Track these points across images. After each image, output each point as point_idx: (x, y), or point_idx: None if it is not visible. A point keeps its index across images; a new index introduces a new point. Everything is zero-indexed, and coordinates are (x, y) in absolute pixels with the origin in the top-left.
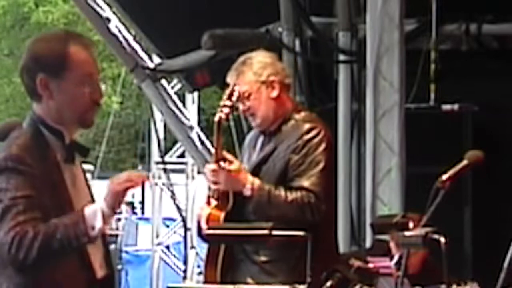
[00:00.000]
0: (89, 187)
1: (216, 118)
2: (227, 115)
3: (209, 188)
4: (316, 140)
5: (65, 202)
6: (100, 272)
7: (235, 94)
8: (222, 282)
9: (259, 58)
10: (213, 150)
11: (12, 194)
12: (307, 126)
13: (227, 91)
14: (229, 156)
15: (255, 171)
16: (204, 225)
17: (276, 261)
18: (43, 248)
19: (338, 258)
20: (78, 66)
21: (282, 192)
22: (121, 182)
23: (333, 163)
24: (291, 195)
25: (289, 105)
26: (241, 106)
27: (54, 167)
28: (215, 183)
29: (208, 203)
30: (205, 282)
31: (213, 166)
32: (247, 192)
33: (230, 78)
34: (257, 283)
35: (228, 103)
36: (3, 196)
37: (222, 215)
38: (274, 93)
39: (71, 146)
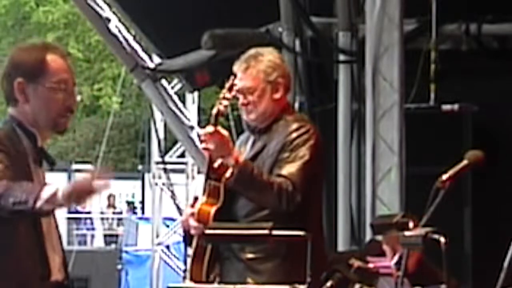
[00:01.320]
0: None
1: (215, 110)
2: (226, 107)
3: (203, 189)
4: (304, 137)
5: None
6: (57, 276)
7: (236, 87)
8: (208, 280)
9: (270, 57)
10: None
11: None
12: (296, 124)
13: (228, 84)
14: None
15: None
16: (193, 223)
17: (261, 259)
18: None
19: (327, 257)
20: (54, 72)
21: (265, 174)
22: (87, 186)
23: (319, 160)
24: (271, 179)
25: (284, 106)
26: (241, 98)
27: (25, 163)
28: (206, 148)
29: (193, 206)
30: (191, 279)
31: (209, 129)
32: (230, 163)
33: (237, 68)
34: (242, 281)
35: (228, 95)
36: None
37: (212, 210)
38: (278, 95)
39: (41, 151)
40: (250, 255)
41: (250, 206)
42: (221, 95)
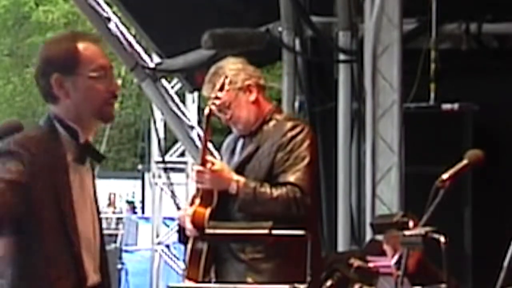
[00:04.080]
0: (95, 191)
1: (207, 110)
2: (218, 107)
3: (197, 189)
4: (300, 136)
5: (64, 198)
6: (93, 278)
7: (226, 86)
8: (204, 281)
9: (230, 66)
10: (214, 152)
11: (0, 175)
12: (290, 123)
13: (219, 83)
14: (210, 158)
15: (239, 170)
16: (189, 225)
17: (263, 259)
18: None
19: (323, 259)
20: (90, 59)
21: (267, 188)
22: None
23: (318, 159)
24: (277, 191)
25: (269, 106)
26: (222, 116)
27: (61, 164)
28: (201, 183)
29: (192, 204)
30: (188, 279)
31: (198, 167)
32: (232, 190)
33: (206, 92)
34: (243, 281)
35: (220, 94)
36: None
37: (207, 212)
38: (252, 97)
39: (84, 147)
40: (250, 255)
41: None
42: (213, 95)
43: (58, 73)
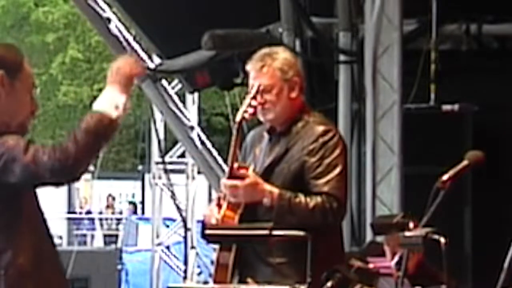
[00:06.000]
0: None
1: (238, 117)
2: (251, 115)
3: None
4: (331, 142)
5: None
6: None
7: (252, 87)
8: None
9: (285, 55)
10: (214, 152)
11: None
12: (322, 128)
13: (253, 90)
14: (242, 171)
15: (267, 172)
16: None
17: (291, 263)
18: (87, 140)
19: (343, 258)
20: (28, 75)
21: (302, 198)
22: (127, 67)
23: (347, 166)
24: (312, 202)
25: (300, 106)
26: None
27: None
28: (234, 197)
29: (219, 204)
30: (214, 282)
31: (229, 183)
32: (267, 203)
33: (252, 66)
34: (270, 284)
35: (254, 103)
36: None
37: (237, 216)
38: (294, 94)
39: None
40: (278, 260)
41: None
42: (247, 102)
43: (4, 70)
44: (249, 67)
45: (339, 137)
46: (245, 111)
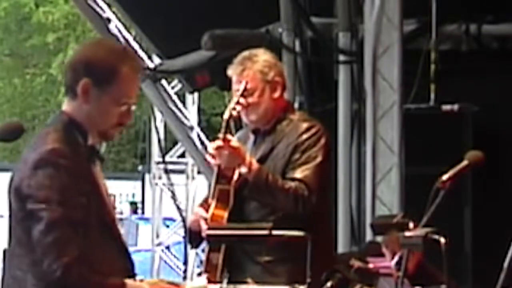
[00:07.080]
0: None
1: (226, 115)
2: (239, 113)
3: (212, 192)
4: (314, 137)
5: (98, 189)
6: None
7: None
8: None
9: (265, 57)
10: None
11: (48, 193)
12: (305, 124)
13: (241, 88)
14: (229, 136)
15: None
16: (204, 226)
17: (279, 261)
18: None
19: (335, 258)
20: (123, 86)
21: (279, 180)
22: None
23: (331, 160)
24: (287, 185)
25: (284, 105)
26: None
27: (85, 162)
28: (218, 158)
29: (204, 207)
30: (209, 283)
31: (218, 142)
32: (244, 172)
33: (233, 71)
34: (259, 283)
35: (242, 100)
36: (36, 192)
37: (225, 214)
38: (276, 94)
39: (92, 148)
40: (267, 258)
41: (263, 210)
42: (235, 100)
43: (90, 79)
44: (230, 71)
45: (322, 132)
46: (233, 109)
